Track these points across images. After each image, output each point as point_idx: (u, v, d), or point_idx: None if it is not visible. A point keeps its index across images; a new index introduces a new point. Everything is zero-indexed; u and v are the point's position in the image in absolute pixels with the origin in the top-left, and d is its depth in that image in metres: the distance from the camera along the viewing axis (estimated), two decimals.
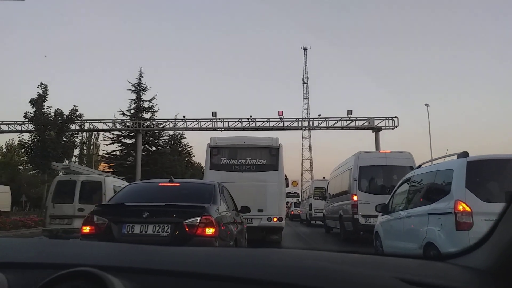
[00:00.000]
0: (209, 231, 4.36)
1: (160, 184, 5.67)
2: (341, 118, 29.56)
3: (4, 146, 47.88)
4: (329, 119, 30.07)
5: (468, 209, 4.61)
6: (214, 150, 10.59)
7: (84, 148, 59.42)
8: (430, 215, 5.27)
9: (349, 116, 29.32)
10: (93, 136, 56.83)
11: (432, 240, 5.06)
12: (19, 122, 26.43)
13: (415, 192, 6.39)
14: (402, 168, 10.48)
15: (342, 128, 29.84)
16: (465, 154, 5.11)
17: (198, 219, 4.34)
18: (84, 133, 54.26)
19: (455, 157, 5.33)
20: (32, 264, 0.92)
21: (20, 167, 44.46)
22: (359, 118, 29.48)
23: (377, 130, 28.69)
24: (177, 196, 5.15)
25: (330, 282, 0.86)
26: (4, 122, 28.81)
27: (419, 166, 6.72)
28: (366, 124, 29.23)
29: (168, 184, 5.41)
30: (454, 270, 1.04)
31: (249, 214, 7.23)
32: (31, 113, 19.84)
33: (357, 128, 29.69)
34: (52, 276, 0.76)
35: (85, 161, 57.18)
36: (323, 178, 22.49)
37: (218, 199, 5.20)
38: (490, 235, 1.00)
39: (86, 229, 4.52)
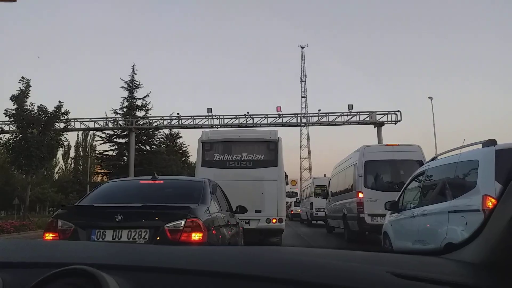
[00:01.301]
0: (196, 236, 3.72)
1: (141, 181, 5.10)
2: (342, 113, 28.99)
3: None
4: (329, 114, 29.47)
5: None
6: (207, 145, 9.82)
7: (80, 149, 58.93)
8: (451, 213, 4.80)
9: (350, 111, 28.72)
10: (88, 137, 56.47)
11: (454, 241, 4.51)
12: (6, 122, 25.49)
13: (431, 187, 5.93)
14: (411, 163, 10.12)
15: (343, 123, 29.25)
16: (492, 142, 4.64)
17: (183, 222, 3.70)
18: (80, 135, 54.34)
19: (479, 146, 4.81)
20: (26, 264, 0.92)
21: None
22: (360, 113, 28.93)
23: (379, 125, 28.12)
24: (159, 196, 4.62)
25: (322, 276, 0.85)
26: None
27: (434, 158, 6.18)
28: (368, 119, 28.64)
29: (150, 181, 4.79)
30: (448, 264, 1.06)
31: (246, 215, 6.61)
32: (12, 109, 18.85)
33: (358, 123, 29.13)
34: (46, 274, 0.76)
35: (80, 163, 56.74)
36: (325, 175, 21.92)
37: (209, 198, 4.56)
38: (482, 228, 0.99)
39: (49, 236, 3.83)
